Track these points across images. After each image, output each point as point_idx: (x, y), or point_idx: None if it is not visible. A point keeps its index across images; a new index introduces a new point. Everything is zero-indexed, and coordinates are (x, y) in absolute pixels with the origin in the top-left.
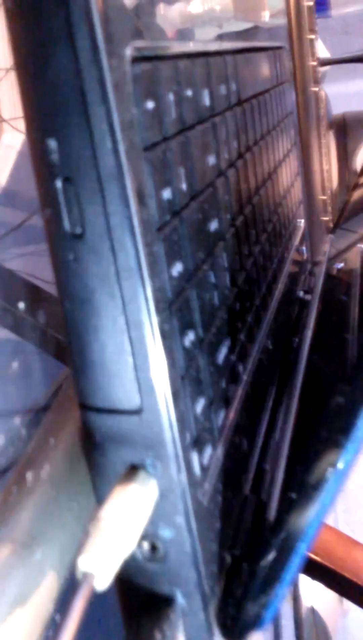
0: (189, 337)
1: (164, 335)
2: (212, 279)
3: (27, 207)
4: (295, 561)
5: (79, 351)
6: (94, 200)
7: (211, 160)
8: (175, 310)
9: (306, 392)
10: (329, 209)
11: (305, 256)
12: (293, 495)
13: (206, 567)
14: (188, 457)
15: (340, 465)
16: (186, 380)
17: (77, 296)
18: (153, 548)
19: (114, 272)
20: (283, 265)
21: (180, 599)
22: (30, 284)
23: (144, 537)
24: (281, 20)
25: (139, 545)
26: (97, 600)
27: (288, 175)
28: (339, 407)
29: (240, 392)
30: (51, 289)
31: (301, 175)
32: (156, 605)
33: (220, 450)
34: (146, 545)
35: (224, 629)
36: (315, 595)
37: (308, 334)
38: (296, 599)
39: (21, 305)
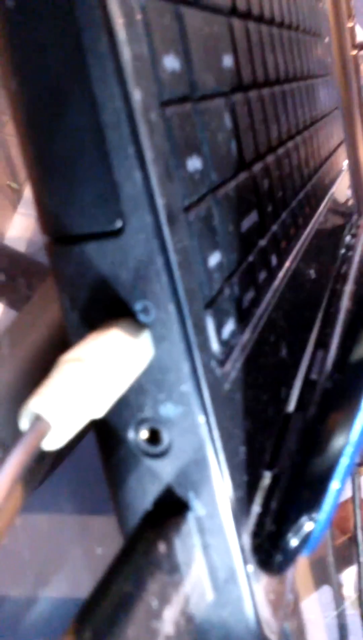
0: (194, 163)
1: (152, 129)
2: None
3: None
4: (342, 474)
5: (38, 163)
6: None
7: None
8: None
9: (354, 315)
10: None
11: (350, 201)
12: (338, 409)
13: (231, 470)
14: (197, 314)
15: None
16: (190, 214)
17: (26, 71)
18: (154, 436)
19: (73, 23)
20: (324, 193)
21: (198, 507)
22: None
23: (141, 422)
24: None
25: (136, 432)
26: None
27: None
28: None
29: (275, 285)
30: None
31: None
32: (161, 514)
33: (248, 336)
34: (144, 434)
35: (260, 555)
36: None
37: (354, 266)
38: (361, 562)
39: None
